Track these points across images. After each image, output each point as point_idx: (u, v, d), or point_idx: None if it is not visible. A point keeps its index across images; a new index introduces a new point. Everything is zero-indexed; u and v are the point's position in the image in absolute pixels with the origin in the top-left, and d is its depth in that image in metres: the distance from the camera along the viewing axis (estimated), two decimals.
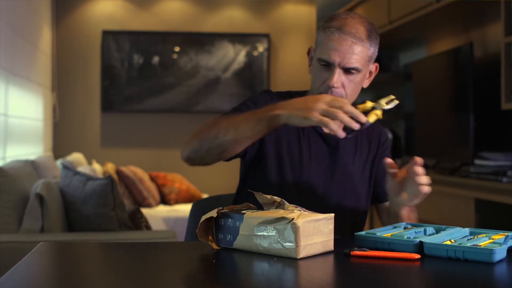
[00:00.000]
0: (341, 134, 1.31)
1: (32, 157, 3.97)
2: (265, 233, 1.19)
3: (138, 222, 2.72)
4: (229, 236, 1.25)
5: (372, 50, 1.54)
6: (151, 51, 5.51)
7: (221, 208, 1.30)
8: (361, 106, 1.37)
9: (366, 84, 1.62)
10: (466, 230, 1.33)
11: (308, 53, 1.62)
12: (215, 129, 1.41)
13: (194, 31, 5.57)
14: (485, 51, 3.65)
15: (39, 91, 4.66)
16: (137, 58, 5.50)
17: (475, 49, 3.51)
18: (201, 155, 1.45)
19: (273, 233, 1.18)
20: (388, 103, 1.38)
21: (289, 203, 1.29)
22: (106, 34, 5.44)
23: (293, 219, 1.16)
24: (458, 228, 1.33)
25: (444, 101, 3.82)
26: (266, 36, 5.66)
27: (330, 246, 1.23)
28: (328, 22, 1.54)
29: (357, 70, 1.51)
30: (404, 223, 1.41)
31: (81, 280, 1.08)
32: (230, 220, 1.25)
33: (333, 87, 1.50)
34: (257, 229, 1.20)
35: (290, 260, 1.16)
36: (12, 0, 3.76)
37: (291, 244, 1.16)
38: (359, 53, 1.50)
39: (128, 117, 5.51)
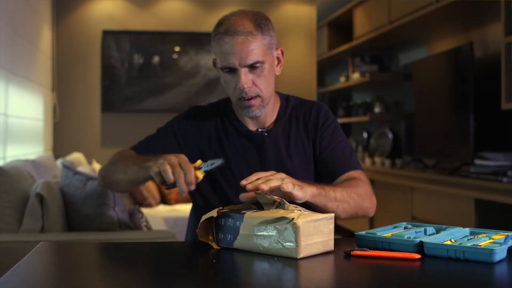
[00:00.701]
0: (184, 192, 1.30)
1: (32, 157, 3.97)
2: (265, 233, 1.19)
3: (138, 222, 2.72)
4: (229, 236, 1.25)
5: (267, 38, 1.52)
6: (151, 51, 5.51)
7: (221, 208, 1.30)
8: (193, 164, 1.36)
9: (278, 71, 1.61)
10: (467, 230, 1.33)
11: (214, 65, 1.61)
12: (113, 167, 1.54)
13: (194, 31, 5.57)
14: (485, 51, 3.65)
15: (39, 91, 4.66)
16: (137, 58, 5.50)
17: (475, 49, 3.51)
18: (107, 186, 1.61)
19: (273, 233, 1.18)
20: (213, 164, 1.36)
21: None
22: (106, 34, 5.44)
23: (293, 219, 1.16)
24: (458, 228, 1.33)
25: (444, 101, 3.83)
26: None
27: (330, 246, 1.24)
28: (215, 29, 1.53)
29: (261, 63, 1.50)
30: (404, 223, 1.41)
31: (81, 280, 1.08)
32: (230, 220, 1.26)
33: (243, 88, 1.50)
34: (257, 229, 1.20)
35: (290, 260, 1.16)
36: (12, 0, 3.76)
37: (292, 244, 1.16)
38: (254, 46, 1.48)
39: (128, 117, 5.51)
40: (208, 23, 5.60)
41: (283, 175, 1.34)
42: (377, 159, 4.84)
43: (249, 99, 1.53)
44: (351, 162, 1.61)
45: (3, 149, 3.43)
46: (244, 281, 1.08)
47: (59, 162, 4.13)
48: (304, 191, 1.33)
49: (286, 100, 1.69)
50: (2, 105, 3.43)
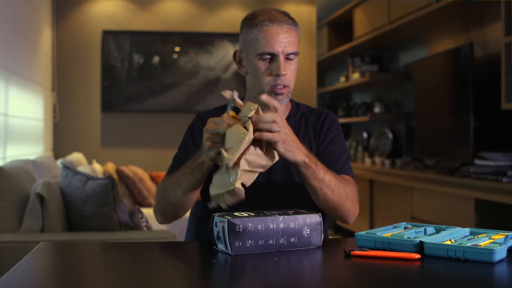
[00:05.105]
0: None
1: (32, 157, 3.97)
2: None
3: (138, 222, 2.72)
4: (249, 241, 1.21)
5: (298, 35, 1.59)
6: (151, 51, 5.51)
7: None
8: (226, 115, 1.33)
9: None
10: (466, 230, 1.33)
11: (235, 57, 1.63)
12: (166, 193, 1.54)
13: (194, 31, 5.57)
14: (485, 51, 3.65)
15: (39, 91, 4.66)
16: (137, 58, 5.50)
17: (475, 49, 3.51)
18: (170, 216, 1.58)
19: None
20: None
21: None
22: (106, 34, 5.44)
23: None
24: (458, 228, 1.33)
25: (444, 101, 3.83)
26: None
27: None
28: (254, 19, 1.56)
29: (296, 54, 1.56)
30: (404, 223, 1.41)
31: (81, 280, 1.08)
32: (250, 224, 1.21)
33: (283, 75, 1.53)
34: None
35: (289, 261, 1.16)
36: (12, 0, 3.76)
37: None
38: (294, 37, 1.55)
39: (128, 117, 5.51)
40: (208, 23, 5.60)
41: (284, 128, 1.32)
42: (377, 159, 4.84)
43: (282, 87, 1.56)
44: (345, 166, 1.63)
45: (3, 149, 3.43)
46: (244, 280, 1.08)
47: (59, 162, 4.13)
48: (293, 154, 1.34)
49: (296, 105, 1.73)
50: (2, 105, 3.43)
